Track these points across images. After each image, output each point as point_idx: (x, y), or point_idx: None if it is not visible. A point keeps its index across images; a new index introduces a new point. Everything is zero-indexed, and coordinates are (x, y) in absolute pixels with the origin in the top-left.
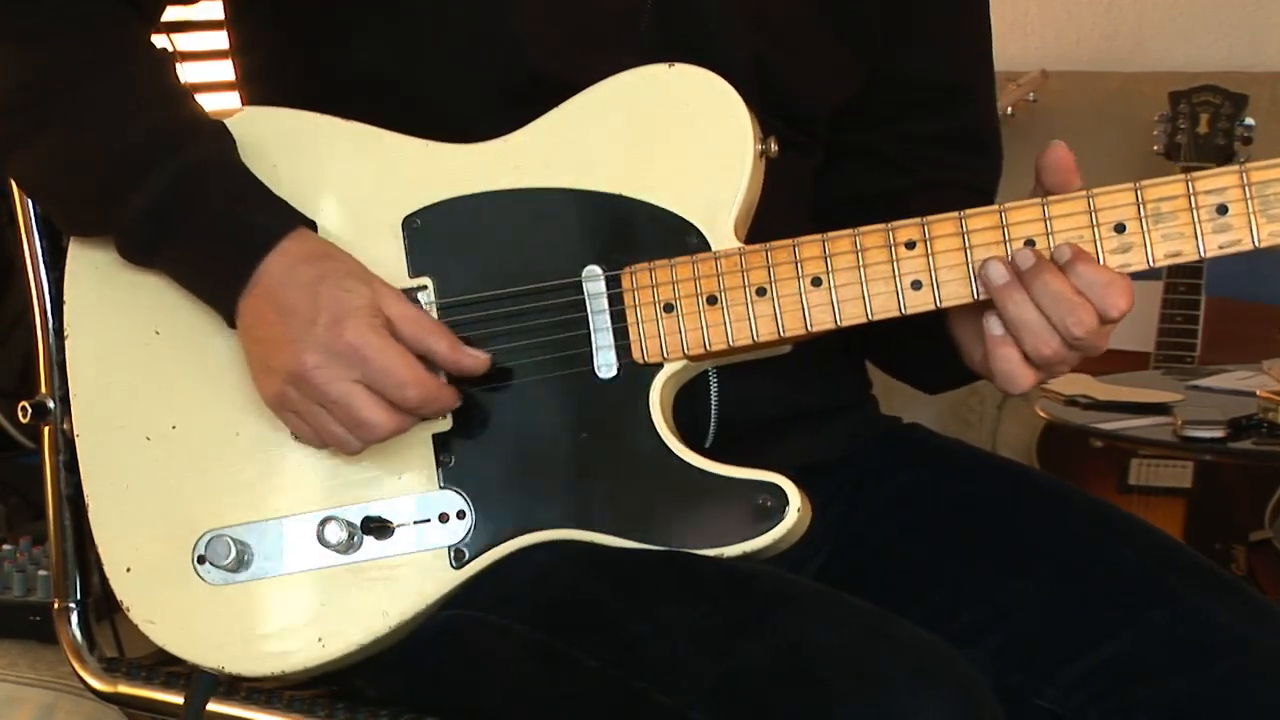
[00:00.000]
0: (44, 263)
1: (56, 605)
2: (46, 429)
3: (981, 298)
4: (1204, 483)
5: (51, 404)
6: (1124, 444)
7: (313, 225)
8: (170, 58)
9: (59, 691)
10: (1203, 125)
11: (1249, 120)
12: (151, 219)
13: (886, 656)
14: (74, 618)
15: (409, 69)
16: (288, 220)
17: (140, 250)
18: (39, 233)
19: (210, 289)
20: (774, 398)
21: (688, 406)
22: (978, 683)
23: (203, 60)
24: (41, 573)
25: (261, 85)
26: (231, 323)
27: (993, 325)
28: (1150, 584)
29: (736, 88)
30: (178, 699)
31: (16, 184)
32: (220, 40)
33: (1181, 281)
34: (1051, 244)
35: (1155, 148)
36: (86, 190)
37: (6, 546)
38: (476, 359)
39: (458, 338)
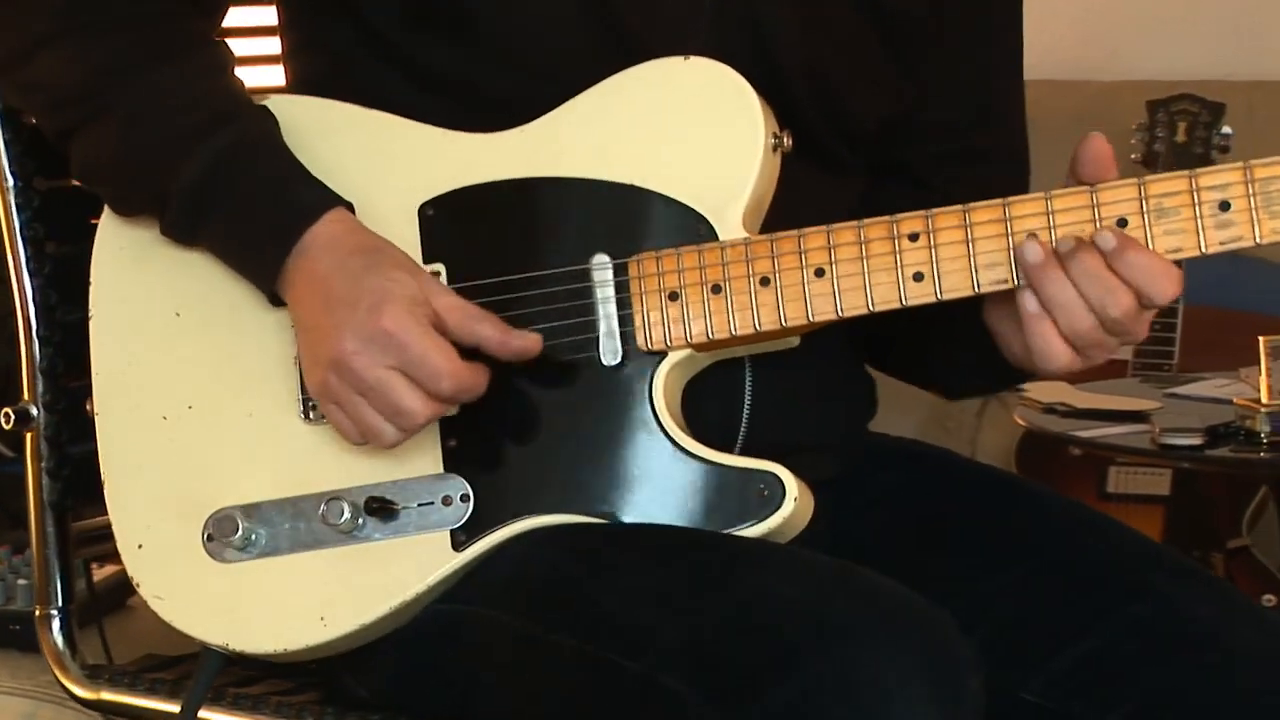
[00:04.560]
0: (27, 269)
1: (38, 612)
2: (29, 435)
3: (981, 290)
4: (1182, 490)
5: (34, 410)
6: (1102, 451)
7: (350, 208)
8: (227, 51)
9: (39, 700)
10: (1180, 134)
11: (1227, 129)
12: (198, 191)
13: (845, 605)
14: (56, 624)
15: (481, 50)
16: (328, 198)
17: (186, 224)
18: (22, 239)
19: (252, 262)
20: (801, 404)
21: (720, 408)
22: (943, 622)
23: (249, 37)
24: (21, 582)
25: (307, 65)
26: (272, 298)
27: (1028, 303)
28: (1130, 579)
29: (792, 93)
30: (162, 705)
31: (74, 169)
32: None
33: None
34: (1054, 237)
35: (1133, 156)
36: (140, 170)
37: None
38: (526, 339)
39: (505, 322)
